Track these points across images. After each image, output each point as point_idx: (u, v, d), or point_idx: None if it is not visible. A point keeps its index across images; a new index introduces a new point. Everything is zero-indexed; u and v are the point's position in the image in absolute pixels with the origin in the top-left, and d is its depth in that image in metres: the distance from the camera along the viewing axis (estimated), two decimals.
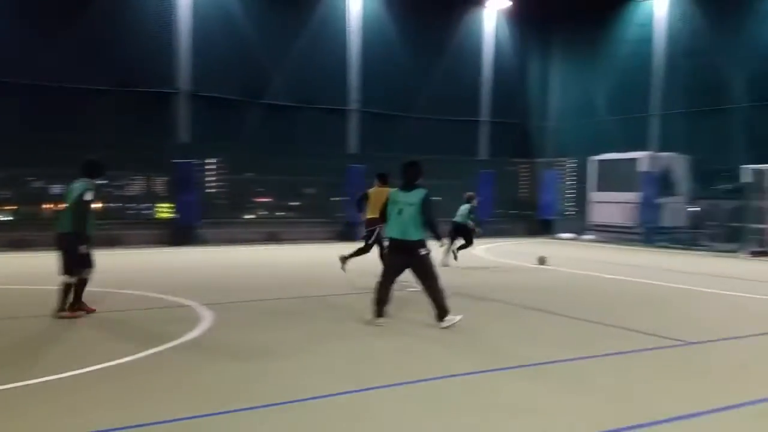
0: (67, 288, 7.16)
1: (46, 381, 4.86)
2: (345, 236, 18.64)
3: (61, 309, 7.15)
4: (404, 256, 6.95)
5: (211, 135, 17.52)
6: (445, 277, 7.40)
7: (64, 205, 7.38)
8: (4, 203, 16.49)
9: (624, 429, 4.03)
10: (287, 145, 18.62)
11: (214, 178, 19.28)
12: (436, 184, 21.22)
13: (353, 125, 19.93)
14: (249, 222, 19.54)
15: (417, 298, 7.79)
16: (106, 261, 9.76)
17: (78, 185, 7.23)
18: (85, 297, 7.37)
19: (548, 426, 4.09)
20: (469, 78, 21.88)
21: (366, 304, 7.30)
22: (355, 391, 4.73)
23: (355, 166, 19.02)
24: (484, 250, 16.80)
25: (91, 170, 7.40)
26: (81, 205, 7.11)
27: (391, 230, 7.07)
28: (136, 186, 18.57)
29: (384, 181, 10.24)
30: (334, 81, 19.47)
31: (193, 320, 7.14)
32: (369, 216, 9.95)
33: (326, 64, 19.18)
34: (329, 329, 6.92)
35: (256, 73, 18.24)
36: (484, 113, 22.27)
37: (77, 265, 7.14)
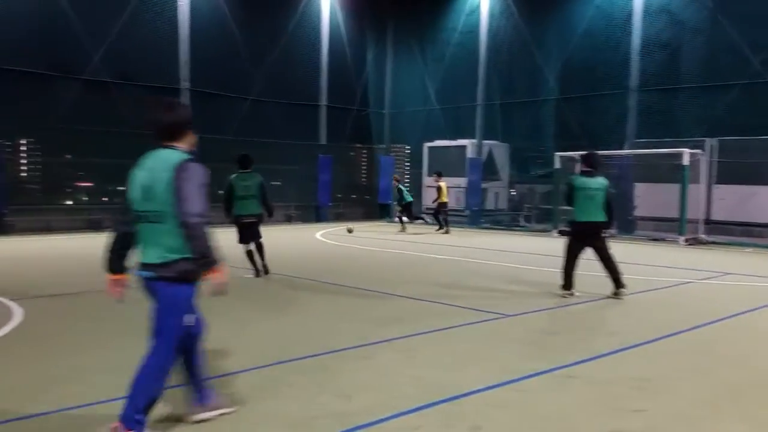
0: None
1: None
2: None
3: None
4: (590, 237, 7.78)
5: (18, 114, 15.67)
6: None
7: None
8: None
9: (466, 394, 4.28)
10: (112, 126, 17.20)
11: (24, 161, 17.31)
12: (275, 168, 21.07)
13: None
14: (68, 209, 17.83)
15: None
16: None
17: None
18: None
19: (394, 398, 4.23)
20: (308, 62, 21.74)
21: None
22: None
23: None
24: (321, 234, 16.90)
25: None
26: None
27: (581, 214, 7.80)
28: None
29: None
30: (162, 58, 18.29)
31: (2, 317, 6.39)
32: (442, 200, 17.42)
33: (153, 39, 17.95)
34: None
35: (71, 46, 16.60)
36: (323, 98, 22.31)
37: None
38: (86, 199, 18.50)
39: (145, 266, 3.46)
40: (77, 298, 7.74)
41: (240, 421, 3.87)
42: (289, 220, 21.16)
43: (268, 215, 9.14)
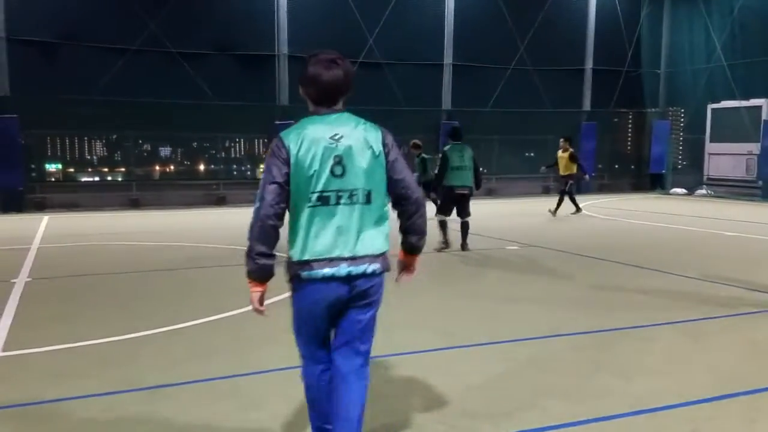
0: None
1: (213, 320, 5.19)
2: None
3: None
4: None
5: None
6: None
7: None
8: (115, 165, 17.55)
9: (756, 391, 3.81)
10: (381, 103, 18.49)
11: None
12: (530, 139, 20.59)
13: (447, 80, 19.49)
14: None
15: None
16: (217, 219, 10.23)
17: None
18: None
19: (681, 384, 3.92)
20: (572, 25, 20.69)
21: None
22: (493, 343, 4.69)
23: (447, 123, 18.70)
24: (583, 206, 16.14)
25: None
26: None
27: None
28: (239, 147, 19.21)
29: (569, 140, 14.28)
30: (429, 35, 19.05)
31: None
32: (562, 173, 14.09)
33: (421, 18, 18.78)
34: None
35: (351, 31, 18.13)
36: (589, 61, 21.09)
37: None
38: None
39: (361, 259, 2.56)
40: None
41: (516, 390, 3.90)
42: (546, 191, 20.62)
43: (476, 188, 9.05)
